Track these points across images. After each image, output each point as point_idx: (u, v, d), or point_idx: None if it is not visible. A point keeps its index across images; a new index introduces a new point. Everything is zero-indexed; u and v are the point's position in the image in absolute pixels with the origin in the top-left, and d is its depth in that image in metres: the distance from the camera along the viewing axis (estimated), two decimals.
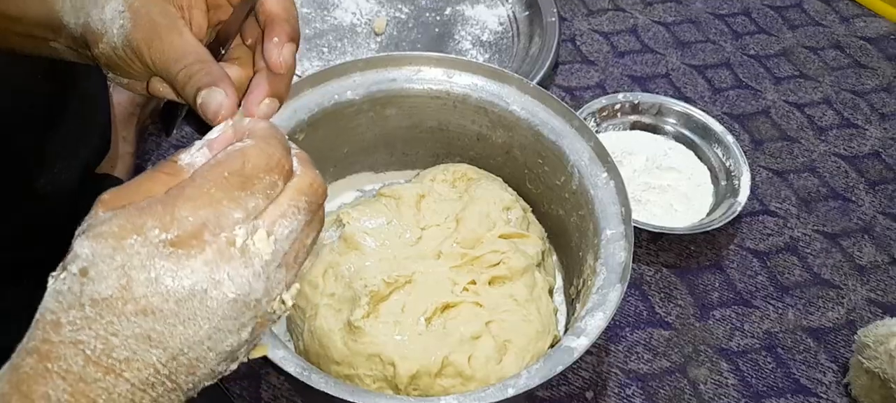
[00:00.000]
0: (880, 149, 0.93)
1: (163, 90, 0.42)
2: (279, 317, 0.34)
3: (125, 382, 0.28)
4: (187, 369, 0.30)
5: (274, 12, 0.41)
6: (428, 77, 0.74)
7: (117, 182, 0.73)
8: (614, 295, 0.58)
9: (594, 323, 0.57)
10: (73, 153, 0.62)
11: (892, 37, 1.09)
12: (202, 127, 0.38)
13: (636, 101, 0.88)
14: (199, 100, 0.38)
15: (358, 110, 0.74)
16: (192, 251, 0.30)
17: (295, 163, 0.35)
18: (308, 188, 0.35)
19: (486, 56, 1.00)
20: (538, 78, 0.92)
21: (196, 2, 0.41)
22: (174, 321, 0.29)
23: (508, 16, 1.05)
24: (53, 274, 0.31)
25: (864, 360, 0.66)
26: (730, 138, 0.84)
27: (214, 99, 0.37)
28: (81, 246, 0.30)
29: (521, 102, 0.73)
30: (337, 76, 0.72)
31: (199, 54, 0.38)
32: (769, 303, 0.77)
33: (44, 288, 0.31)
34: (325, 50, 0.98)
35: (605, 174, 0.67)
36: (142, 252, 0.29)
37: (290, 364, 0.52)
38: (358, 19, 1.03)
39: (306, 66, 0.96)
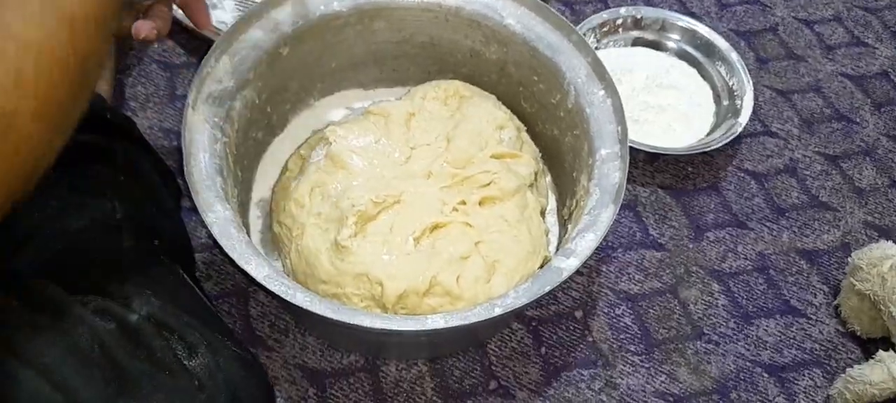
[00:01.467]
0: (889, 69, 0.90)
1: None
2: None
3: None
4: None
5: None
6: None
7: (96, 97, 0.71)
8: (606, 216, 0.57)
9: (584, 243, 0.56)
10: None
11: None
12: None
13: (639, 16, 0.84)
14: None
15: (345, 23, 0.70)
16: None
17: None
18: None
19: None
20: None
21: None
22: None
23: None
24: None
25: (856, 282, 0.66)
26: (734, 56, 0.81)
27: None
28: None
29: (516, 15, 0.70)
30: None
31: None
32: (764, 225, 0.76)
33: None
34: None
35: (602, 92, 0.65)
36: None
37: (274, 283, 0.51)
38: None
39: None
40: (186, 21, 0.73)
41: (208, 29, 0.58)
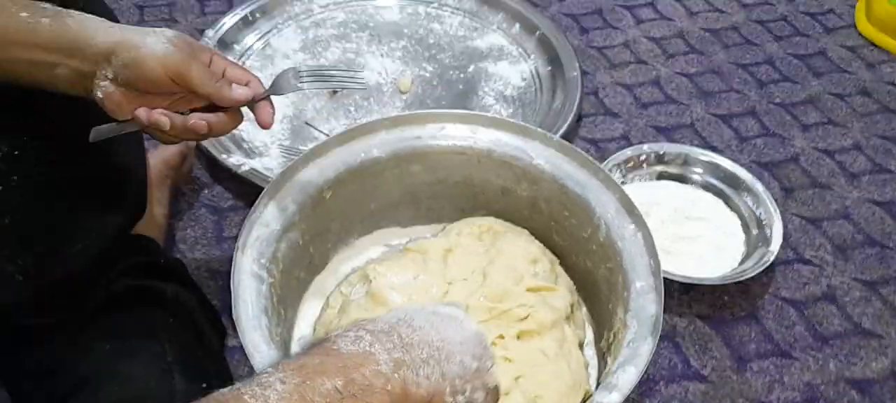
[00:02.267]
0: None
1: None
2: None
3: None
4: None
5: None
6: (452, 133, 0.75)
7: (150, 242, 0.75)
8: (646, 349, 0.57)
9: (626, 377, 0.55)
10: (104, 222, 0.64)
11: None
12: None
13: (661, 152, 0.88)
14: (232, 90, 0.55)
15: (384, 167, 0.75)
16: None
17: None
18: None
19: (510, 111, 1.01)
20: (562, 131, 0.93)
21: None
22: None
23: (531, 71, 1.07)
24: None
25: None
26: (759, 186, 0.84)
27: (241, 89, 0.56)
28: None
29: (545, 156, 0.73)
30: (363, 135, 0.74)
31: (217, 73, 0.55)
32: (809, 354, 0.74)
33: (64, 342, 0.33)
34: (352, 109, 1.01)
35: (633, 226, 0.67)
36: None
37: None
38: (383, 78, 1.06)
39: (333, 125, 0.98)
40: (229, 166, 0.79)
41: (269, 128, 0.60)
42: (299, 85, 0.61)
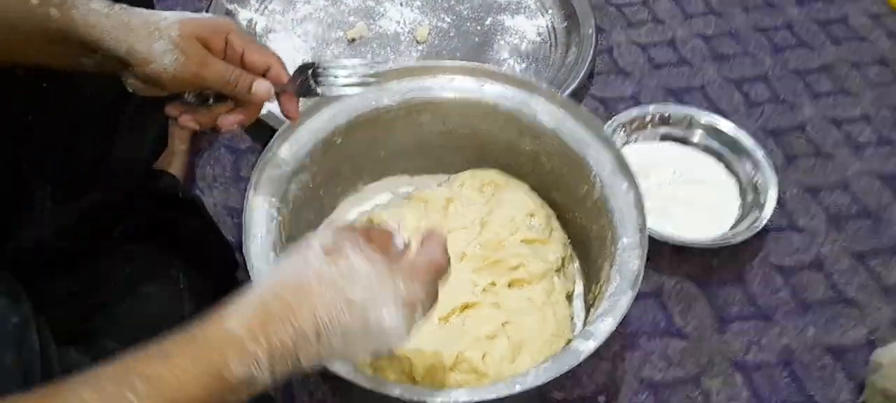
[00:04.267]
0: None
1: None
2: None
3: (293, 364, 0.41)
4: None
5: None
6: (461, 85, 0.78)
7: (171, 177, 0.80)
8: (625, 301, 0.61)
9: (603, 327, 0.60)
10: (135, 152, 0.69)
11: None
12: None
13: (667, 113, 0.90)
14: (253, 90, 0.55)
15: (394, 116, 0.78)
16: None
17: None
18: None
19: (523, 65, 1.03)
20: (572, 87, 0.95)
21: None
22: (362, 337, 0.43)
23: (547, 26, 1.08)
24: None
25: (877, 380, 0.67)
26: (760, 153, 0.85)
27: (262, 86, 0.56)
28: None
29: (549, 111, 0.76)
30: (375, 83, 0.77)
31: (234, 70, 0.54)
32: (789, 320, 0.77)
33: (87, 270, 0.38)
34: (369, 56, 1.03)
35: (625, 184, 0.70)
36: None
37: None
38: (401, 28, 1.08)
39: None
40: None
41: (296, 119, 0.62)
42: (317, 88, 0.60)
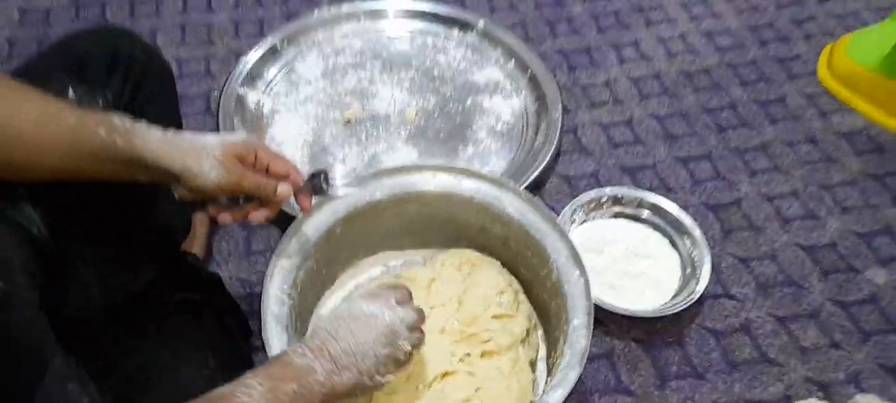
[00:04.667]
0: (837, 240, 1.06)
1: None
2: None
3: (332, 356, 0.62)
4: (358, 361, 0.62)
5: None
6: (441, 181, 0.92)
7: (195, 258, 0.93)
8: (573, 375, 0.75)
9: (555, 397, 0.73)
10: (164, 248, 0.83)
11: (865, 133, 1.22)
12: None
13: (620, 195, 1.04)
14: (278, 193, 0.72)
15: (385, 207, 0.92)
16: (376, 300, 0.67)
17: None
18: (414, 306, 0.70)
19: (498, 144, 1.17)
20: (541, 168, 1.09)
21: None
22: (361, 324, 0.64)
23: (521, 107, 1.22)
24: None
25: None
26: (697, 232, 1.00)
27: (284, 189, 0.72)
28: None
29: (514, 205, 0.90)
30: (370, 181, 0.91)
31: (263, 178, 0.71)
32: (719, 377, 0.92)
33: (129, 347, 0.62)
34: (363, 136, 1.18)
35: (577, 272, 0.84)
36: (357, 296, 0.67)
37: None
38: (392, 108, 1.22)
39: (346, 152, 1.15)
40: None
41: (309, 211, 0.80)
42: (327, 190, 0.77)
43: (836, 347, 0.95)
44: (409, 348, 0.67)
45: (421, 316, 0.70)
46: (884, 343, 0.96)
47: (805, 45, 1.37)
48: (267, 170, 0.72)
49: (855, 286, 1.01)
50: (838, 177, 1.15)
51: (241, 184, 0.68)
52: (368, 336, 0.64)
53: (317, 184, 0.76)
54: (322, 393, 0.60)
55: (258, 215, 0.74)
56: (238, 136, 0.71)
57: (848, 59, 1.27)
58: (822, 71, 1.31)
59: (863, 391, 0.91)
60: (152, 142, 0.64)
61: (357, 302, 0.67)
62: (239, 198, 0.73)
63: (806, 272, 1.03)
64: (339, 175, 0.79)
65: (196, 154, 0.65)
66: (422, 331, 0.70)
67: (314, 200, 0.79)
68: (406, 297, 0.70)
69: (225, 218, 0.73)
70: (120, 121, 0.63)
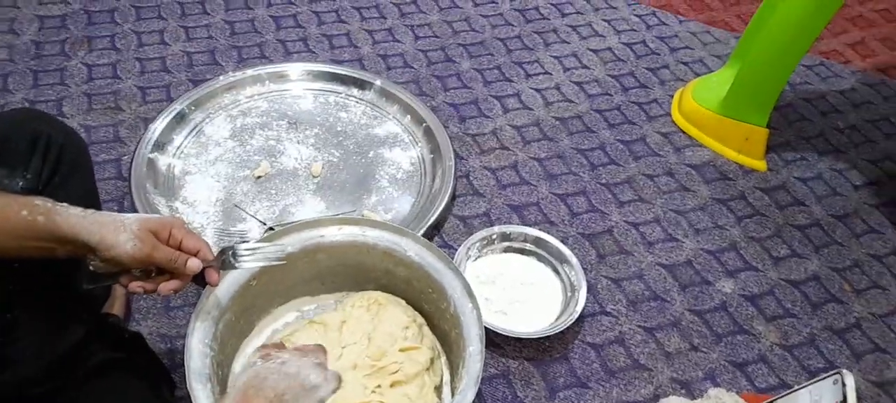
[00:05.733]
0: (692, 258, 1.25)
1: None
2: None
3: None
4: None
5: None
6: (347, 232, 1.03)
7: (117, 318, 0.98)
8: (470, 395, 0.86)
9: None
10: (86, 313, 0.88)
11: (711, 164, 1.43)
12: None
13: (508, 232, 1.18)
14: (188, 267, 0.76)
15: (297, 258, 1.01)
16: (321, 371, 0.79)
17: None
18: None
19: (400, 192, 1.29)
20: (440, 210, 1.22)
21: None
22: (307, 394, 0.76)
23: (418, 157, 1.35)
24: (262, 358, 0.79)
25: None
26: (574, 259, 1.15)
27: (194, 263, 0.77)
28: (283, 353, 0.80)
29: (414, 249, 1.02)
30: (281, 236, 1.00)
31: (175, 252, 0.76)
32: (600, 384, 1.06)
33: None
34: (274, 192, 1.26)
35: (470, 305, 0.96)
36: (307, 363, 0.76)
37: None
38: (299, 163, 1.31)
39: (258, 207, 1.23)
40: None
41: (216, 285, 0.84)
42: (235, 264, 0.83)
43: (695, 350, 1.12)
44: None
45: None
46: (733, 343, 1.14)
47: (661, 89, 1.58)
48: (180, 246, 0.77)
49: (708, 296, 1.19)
50: (691, 203, 1.34)
51: (153, 256, 0.73)
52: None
53: (225, 259, 0.82)
54: None
55: (168, 286, 0.78)
56: (154, 216, 0.77)
57: (693, 102, 1.48)
58: (675, 112, 1.52)
59: (717, 385, 1.08)
60: (72, 218, 0.70)
61: (306, 368, 0.74)
62: (151, 271, 0.78)
63: (668, 287, 1.20)
64: (244, 249, 0.84)
65: (113, 227, 0.71)
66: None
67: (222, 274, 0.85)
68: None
69: (136, 288, 0.77)
70: (41, 201, 0.70)
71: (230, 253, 0.83)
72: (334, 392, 0.72)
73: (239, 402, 0.65)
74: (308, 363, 0.72)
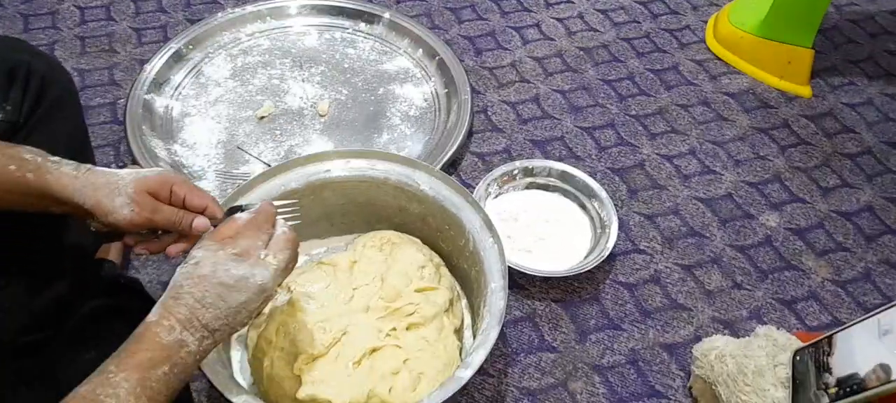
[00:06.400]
0: (732, 191, 1.15)
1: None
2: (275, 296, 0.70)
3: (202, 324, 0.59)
4: (230, 320, 0.60)
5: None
6: (355, 166, 0.94)
7: (112, 264, 0.91)
8: (493, 334, 0.78)
9: (477, 357, 0.76)
10: (79, 256, 0.81)
11: (751, 92, 1.31)
12: None
13: (530, 166, 1.09)
14: (194, 226, 0.68)
15: (302, 195, 0.93)
16: (245, 259, 0.62)
17: (278, 225, 0.68)
18: (284, 238, 0.66)
19: (413, 129, 1.20)
20: (455, 147, 1.13)
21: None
22: (232, 290, 0.60)
23: (432, 92, 1.26)
24: (181, 264, 0.63)
25: (695, 369, 0.87)
26: (604, 194, 1.05)
27: (201, 222, 0.68)
28: (196, 251, 0.62)
29: (428, 183, 0.93)
30: (282, 172, 0.92)
31: (178, 212, 0.68)
32: (635, 326, 0.97)
33: (52, 358, 0.58)
34: (278, 132, 1.18)
35: (491, 239, 0.87)
36: (223, 257, 0.62)
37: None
38: (304, 103, 1.23)
39: (262, 148, 1.15)
40: None
41: None
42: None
43: (738, 287, 1.03)
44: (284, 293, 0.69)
45: (289, 235, 0.67)
46: (780, 279, 1.04)
47: (693, 15, 1.46)
48: (184, 204, 0.68)
49: (751, 231, 1.10)
50: (730, 133, 1.24)
51: (153, 220, 0.65)
52: (240, 298, 0.61)
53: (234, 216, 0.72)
54: (196, 361, 0.59)
55: (176, 248, 0.70)
56: (153, 171, 0.68)
57: (730, 25, 1.36)
58: (710, 38, 1.40)
59: (763, 324, 0.99)
60: (64, 178, 0.63)
61: (223, 263, 0.62)
62: (157, 232, 0.70)
63: (706, 222, 1.10)
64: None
65: (108, 190, 0.64)
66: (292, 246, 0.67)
67: None
68: (269, 232, 0.66)
69: (141, 249, 0.70)
70: (31, 155, 0.63)
71: (240, 211, 0.74)
72: (277, 272, 0.64)
73: (159, 319, 0.58)
74: (224, 256, 0.62)
